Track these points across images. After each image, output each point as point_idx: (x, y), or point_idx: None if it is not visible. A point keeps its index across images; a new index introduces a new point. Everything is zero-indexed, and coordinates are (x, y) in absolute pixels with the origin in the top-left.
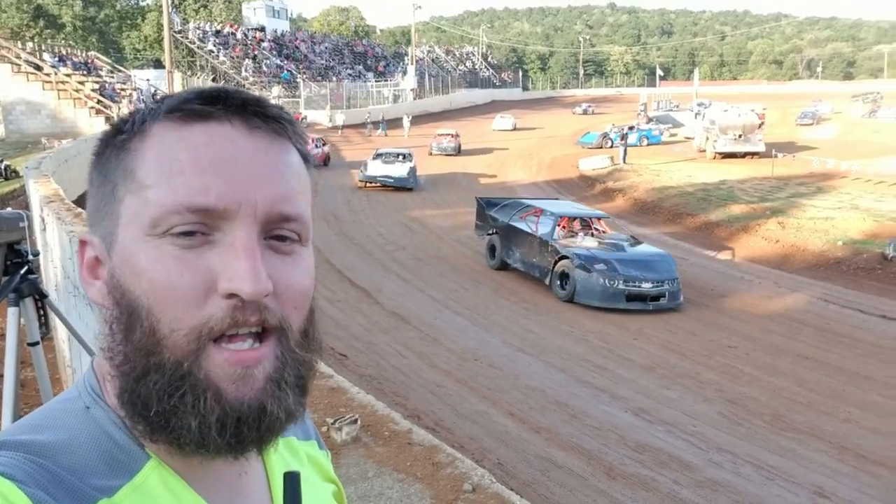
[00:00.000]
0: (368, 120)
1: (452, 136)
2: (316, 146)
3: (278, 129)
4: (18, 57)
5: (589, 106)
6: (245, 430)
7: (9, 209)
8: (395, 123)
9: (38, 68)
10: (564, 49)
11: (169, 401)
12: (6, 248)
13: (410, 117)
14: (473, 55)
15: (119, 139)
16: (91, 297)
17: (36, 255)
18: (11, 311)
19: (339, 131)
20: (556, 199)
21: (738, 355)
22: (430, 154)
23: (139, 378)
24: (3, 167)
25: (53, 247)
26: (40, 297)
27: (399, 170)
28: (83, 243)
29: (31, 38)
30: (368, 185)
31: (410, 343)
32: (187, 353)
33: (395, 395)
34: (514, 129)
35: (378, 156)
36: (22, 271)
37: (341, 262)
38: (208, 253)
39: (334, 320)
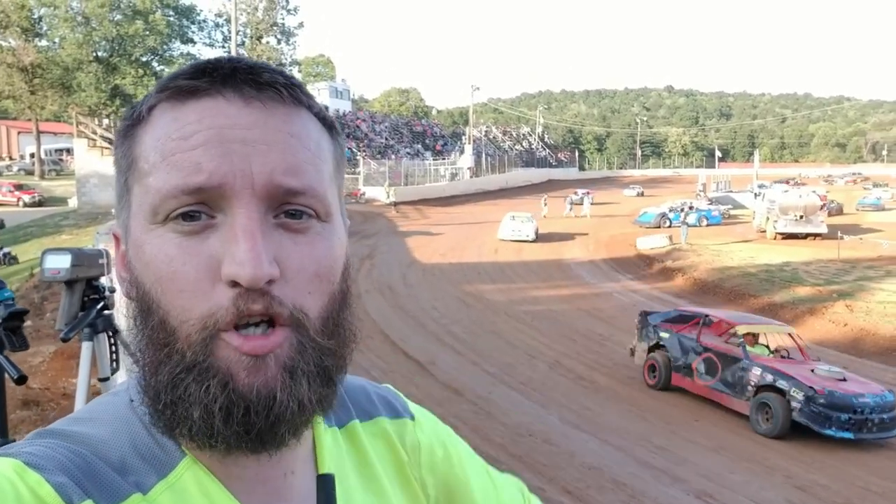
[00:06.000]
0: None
1: None
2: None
3: (276, 97)
4: (94, 133)
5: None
6: (253, 417)
7: (89, 246)
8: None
9: (112, 143)
10: (621, 130)
11: (175, 391)
12: (85, 283)
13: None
14: (530, 135)
15: (125, 128)
16: (124, 293)
17: (112, 291)
18: (85, 346)
19: (394, 208)
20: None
21: (808, 440)
22: None
23: (154, 371)
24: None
25: (120, 305)
26: (114, 333)
27: None
28: (116, 238)
29: (108, 116)
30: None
31: (464, 416)
32: (196, 343)
33: None
34: (536, 238)
35: None
36: (98, 306)
37: (396, 335)
38: (211, 238)
39: None
